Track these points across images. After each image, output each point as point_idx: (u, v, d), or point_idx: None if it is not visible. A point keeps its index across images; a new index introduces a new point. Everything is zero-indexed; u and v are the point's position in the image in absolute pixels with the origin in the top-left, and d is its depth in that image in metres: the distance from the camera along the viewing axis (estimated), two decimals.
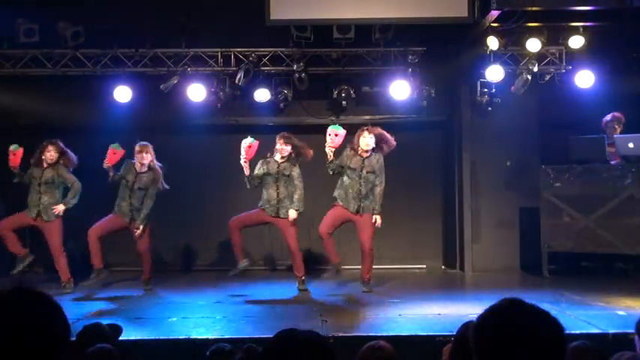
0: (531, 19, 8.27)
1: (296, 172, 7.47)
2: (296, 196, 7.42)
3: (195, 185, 9.39)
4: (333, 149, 7.29)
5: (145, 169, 7.55)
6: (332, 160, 7.31)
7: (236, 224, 7.51)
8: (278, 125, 9.31)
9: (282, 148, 7.47)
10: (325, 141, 7.33)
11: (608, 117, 8.43)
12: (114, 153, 7.36)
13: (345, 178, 7.43)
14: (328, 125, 7.58)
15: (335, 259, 7.52)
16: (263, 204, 7.52)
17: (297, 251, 7.56)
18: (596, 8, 7.81)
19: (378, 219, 7.36)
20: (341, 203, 7.43)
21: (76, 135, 8.23)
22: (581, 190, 8.25)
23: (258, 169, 7.48)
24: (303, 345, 1.90)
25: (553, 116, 9.05)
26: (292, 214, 7.40)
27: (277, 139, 7.54)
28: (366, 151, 7.38)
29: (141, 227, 7.47)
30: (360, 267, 7.57)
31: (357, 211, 7.37)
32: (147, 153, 7.53)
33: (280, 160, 7.50)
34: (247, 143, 7.34)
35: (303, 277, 7.61)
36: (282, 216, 7.47)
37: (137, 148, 7.56)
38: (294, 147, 7.49)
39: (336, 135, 7.31)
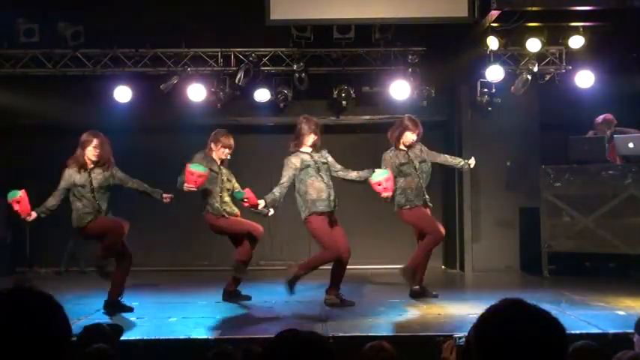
0: (531, 19, 8.27)
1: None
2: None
3: None
4: None
5: None
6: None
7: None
8: (278, 125, 9.31)
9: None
10: None
11: (599, 119, 8.43)
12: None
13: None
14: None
15: None
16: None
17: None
18: (596, 8, 7.81)
19: None
20: None
21: (76, 135, 8.19)
22: (581, 190, 8.25)
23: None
24: (303, 345, 1.90)
25: (553, 116, 9.05)
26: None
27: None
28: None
29: None
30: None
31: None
32: None
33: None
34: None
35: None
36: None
37: None
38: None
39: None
